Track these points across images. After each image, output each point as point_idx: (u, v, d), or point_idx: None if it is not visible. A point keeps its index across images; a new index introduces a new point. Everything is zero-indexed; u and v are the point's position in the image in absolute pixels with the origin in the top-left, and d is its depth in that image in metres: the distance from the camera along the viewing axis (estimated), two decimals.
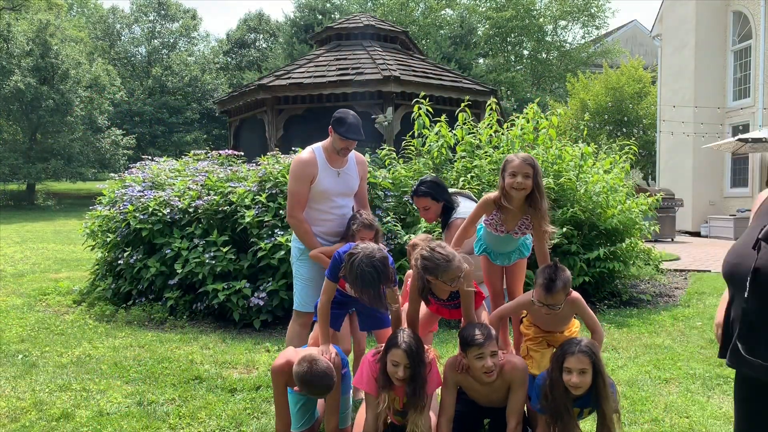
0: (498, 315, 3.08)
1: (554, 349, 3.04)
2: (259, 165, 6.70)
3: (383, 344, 3.02)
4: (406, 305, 3.23)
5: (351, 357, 3.84)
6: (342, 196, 3.72)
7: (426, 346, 3.03)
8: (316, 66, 11.42)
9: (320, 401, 3.36)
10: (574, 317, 3.17)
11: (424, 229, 5.79)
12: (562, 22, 32.75)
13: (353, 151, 3.81)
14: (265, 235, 5.86)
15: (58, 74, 24.01)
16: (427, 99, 6.78)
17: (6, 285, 7.96)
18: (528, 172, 2.95)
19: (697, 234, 16.36)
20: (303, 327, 3.81)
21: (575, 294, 2.99)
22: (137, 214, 6.39)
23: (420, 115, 6.68)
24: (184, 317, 5.92)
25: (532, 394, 2.90)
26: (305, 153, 3.70)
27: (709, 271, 9.11)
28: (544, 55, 32.49)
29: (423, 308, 3.19)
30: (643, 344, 5.10)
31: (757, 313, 1.76)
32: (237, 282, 5.81)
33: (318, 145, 3.72)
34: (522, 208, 3.03)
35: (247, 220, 5.90)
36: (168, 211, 6.36)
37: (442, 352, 4.51)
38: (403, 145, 7.25)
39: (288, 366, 2.94)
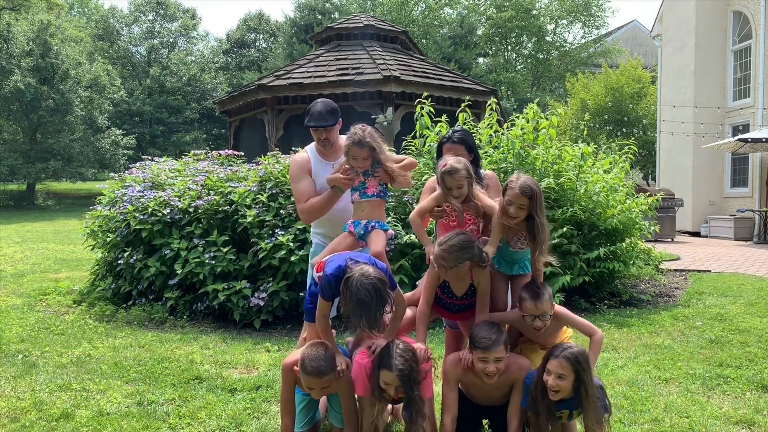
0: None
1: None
2: (260, 165, 6.70)
3: (373, 344, 2.90)
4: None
5: None
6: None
7: (422, 346, 2.93)
8: (316, 66, 11.42)
9: (322, 403, 3.35)
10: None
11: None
12: (563, 22, 32.76)
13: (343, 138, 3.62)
14: (265, 235, 5.87)
15: (58, 74, 24.03)
16: (429, 99, 6.78)
17: (6, 285, 7.97)
18: (523, 204, 2.89)
19: (697, 234, 16.36)
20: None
21: (559, 308, 3.00)
22: (137, 215, 6.39)
23: (423, 115, 6.67)
24: (184, 317, 5.92)
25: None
26: (298, 154, 3.67)
27: (709, 271, 9.11)
28: (544, 55, 32.47)
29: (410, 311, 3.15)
30: (643, 344, 5.10)
31: None
32: (237, 282, 5.81)
33: (310, 145, 3.67)
34: (522, 224, 2.99)
35: (248, 220, 5.90)
36: (168, 211, 6.36)
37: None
38: (403, 145, 7.25)
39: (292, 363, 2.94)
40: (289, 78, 10.98)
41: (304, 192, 3.50)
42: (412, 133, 7.08)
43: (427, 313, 3.07)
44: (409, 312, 3.13)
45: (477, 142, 6.95)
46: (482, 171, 3.47)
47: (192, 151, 8.27)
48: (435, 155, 3.56)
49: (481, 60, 33.74)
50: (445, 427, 2.89)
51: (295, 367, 2.89)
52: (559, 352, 2.70)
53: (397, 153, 7.21)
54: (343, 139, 3.56)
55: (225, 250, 5.93)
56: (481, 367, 2.78)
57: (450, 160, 3.00)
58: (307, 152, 3.61)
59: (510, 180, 2.95)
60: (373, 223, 3.23)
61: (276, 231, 5.85)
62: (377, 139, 3.23)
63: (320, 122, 3.42)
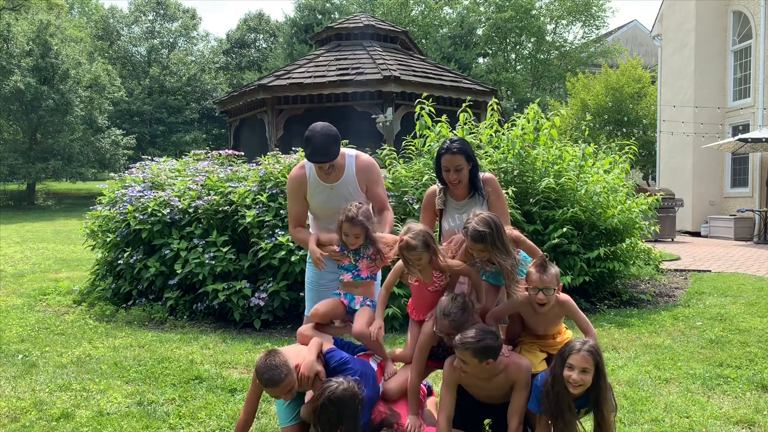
0: (492, 318, 3.07)
1: (545, 355, 3.05)
2: (260, 165, 6.70)
3: None
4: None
5: None
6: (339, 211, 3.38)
7: (416, 423, 2.95)
8: (316, 66, 11.43)
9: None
10: (566, 328, 3.18)
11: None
12: (563, 22, 32.76)
13: (357, 155, 3.52)
14: (265, 235, 5.87)
15: (58, 74, 24.01)
16: (429, 99, 6.78)
17: (6, 285, 7.96)
18: (481, 248, 2.90)
19: (697, 234, 16.36)
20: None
21: (565, 296, 3.01)
22: (137, 215, 6.39)
23: (423, 115, 6.68)
24: (185, 317, 5.92)
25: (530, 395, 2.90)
26: (296, 169, 3.54)
27: (710, 271, 9.11)
28: (544, 55, 32.46)
29: (403, 375, 3.13)
30: (643, 344, 5.10)
31: None
32: (237, 282, 5.81)
33: None
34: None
35: (248, 220, 5.90)
36: (168, 211, 6.36)
37: None
38: (403, 145, 7.25)
39: None
40: (289, 78, 10.99)
41: (296, 216, 3.54)
42: (412, 133, 7.08)
43: (419, 385, 3.07)
44: (399, 379, 3.12)
45: (477, 142, 6.96)
46: (481, 174, 3.39)
47: (192, 151, 8.26)
48: (434, 161, 3.49)
49: (481, 60, 33.73)
50: (440, 426, 2.89)
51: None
52: (580, 346, 2.70)
53: (397, 153, 7.24)
54: (344, 157, 3.46)
55: (225, 250, 5.93)
56: (460, 366, 2.83)
57: (408, 236, 2.96)
58: (306, 169, 3.49)
59: (466, 222, 2.95)
60: (368, 302, 3.23)
61: (276, 231, 5.85)
62: (371, 218, 3.20)
63: (326, 158, 3.27)
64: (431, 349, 3.08)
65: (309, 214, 3.63)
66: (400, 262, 3.11)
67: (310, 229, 3.63)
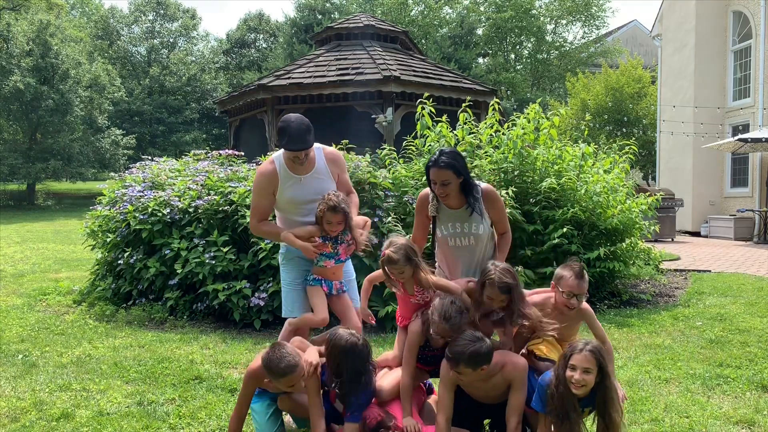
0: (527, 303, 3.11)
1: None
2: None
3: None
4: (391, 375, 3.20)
5: None
6: (311, 202, 3.46)
7: (411, 423, 2.95)
8: (316, 66, 11.43)
9: (287, 416, 3.33)
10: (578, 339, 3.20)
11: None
12: (563, 21, 32.75)
13: (323, 148, 3.60)
14: None
15: (58, 74, 24.00)
16: (429, 99, 6.78)
17: (6, 285, 7.96)
18: (503, 299, 2.95)
19: (697, 234, 16.36)
20: (292, 334, 3.73)
21: (586, 304, 3.08)
22: (137, 215, 6.39)
23: (423, 115, 6.68)
24: (185, 317, 5.92)
25: (532, 392, 2.90)
26: (266, 164, 3.55)
27: (710, 271, 9.11)
28: (544, 55, 32.45)
29: (395, 376, 3.14)
30: (643, 344, 5.10)
31: None
32: (237, 282, 5.81)
33: (279, 154, 3.53)
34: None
35: (248, 220, 5.89)
36: (168, 211, 6.36)
37: None
38: (403, 145, 7.25)
39: (260, 369, 2.95)
40: (289, 78, 10.98)
41: (261, 211, 3.59)
42: (413, 134, 7.08)
43: (411, 385, 3.07)
44: (392, 379, 3.13)
45: (477, 142, 6.96)
46: (480, 184, 3.31)
47: (192, 151, 8.26)
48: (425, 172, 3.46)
49: (481, 60, 33.72)
50: (439, 426, 2.89)
51: (266, 380, 2.91)
52: (582, 346, 2.71)
53: (398, 153, 7.23)
54: (312, 149, 3.49)
55: (225, 250, 5.94)
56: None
57: (389, 249, 3.00)
58: (275, 164, 3.50)
59: (488, 272, 2.96)
60: (344, 288, 3.53)
61: None
62: (349, 204, 3.39)
63: (302, 145, 3.34)
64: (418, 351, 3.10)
65: (276, 210, 3.68)
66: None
67: (278, 224, 3.68)
